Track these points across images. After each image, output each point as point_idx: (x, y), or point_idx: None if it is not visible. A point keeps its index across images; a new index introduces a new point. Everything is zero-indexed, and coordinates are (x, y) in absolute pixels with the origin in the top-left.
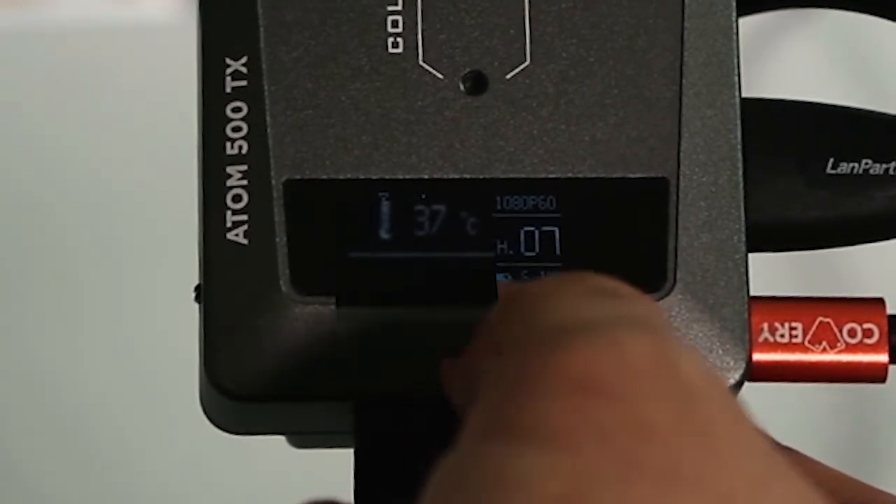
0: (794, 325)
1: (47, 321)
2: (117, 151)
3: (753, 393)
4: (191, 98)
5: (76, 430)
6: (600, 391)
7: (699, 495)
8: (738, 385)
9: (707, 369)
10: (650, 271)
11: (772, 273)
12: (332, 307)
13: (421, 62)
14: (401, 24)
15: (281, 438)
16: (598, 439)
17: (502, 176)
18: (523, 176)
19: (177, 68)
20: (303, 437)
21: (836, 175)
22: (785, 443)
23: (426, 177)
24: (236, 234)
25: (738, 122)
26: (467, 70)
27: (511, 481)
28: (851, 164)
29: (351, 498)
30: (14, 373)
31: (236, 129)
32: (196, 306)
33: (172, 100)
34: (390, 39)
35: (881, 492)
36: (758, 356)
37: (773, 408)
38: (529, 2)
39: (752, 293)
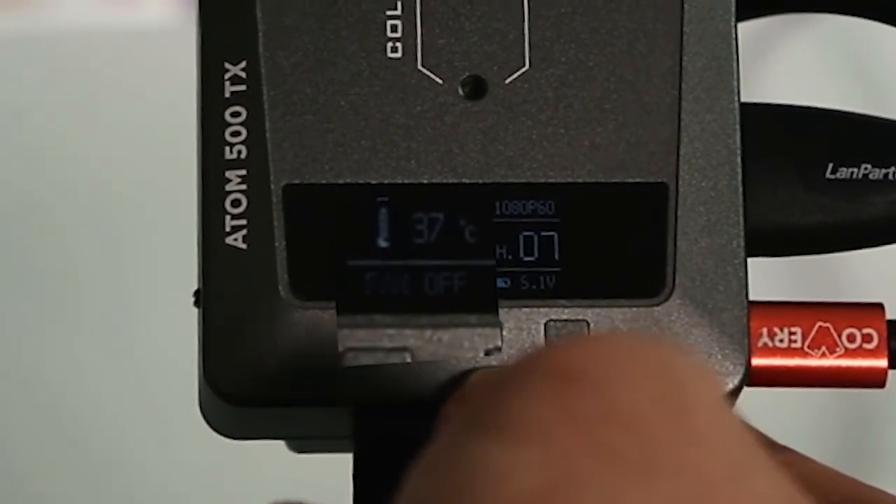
0: (793, 329)
1: (47, 325)
2: (117, 155)
3: (752, 398)
4: (190, 102)
5: (75, 433)
6: (578, 379)
7: (679, 484)
8: (737, 390)
9: (689, 359)
10: (649, 276)
11: (771, 278)
12: (331, 312)
13: (420, 67)
14: (400, 29)
15: (280, 443)
16: (574, 430)
17: (501, 181)
18: (522, 181)
19: (176, 73)
20: (302, 442)
21: (836, 180)
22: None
23: (425, 181)
24: (235, 239)
25: (738, 126)
26: (466, 75)
27: (488, 477)
28: (851, 169)
29: (346, 502)
30: (13, 374)
31: (235, 134)
32: (195, 311)
33: (171, 104)
34: (389, 44)
35: (879, 490)
36: (757, 361)
37: (773, 412)
38: (529, 6)
39: (751, 298)
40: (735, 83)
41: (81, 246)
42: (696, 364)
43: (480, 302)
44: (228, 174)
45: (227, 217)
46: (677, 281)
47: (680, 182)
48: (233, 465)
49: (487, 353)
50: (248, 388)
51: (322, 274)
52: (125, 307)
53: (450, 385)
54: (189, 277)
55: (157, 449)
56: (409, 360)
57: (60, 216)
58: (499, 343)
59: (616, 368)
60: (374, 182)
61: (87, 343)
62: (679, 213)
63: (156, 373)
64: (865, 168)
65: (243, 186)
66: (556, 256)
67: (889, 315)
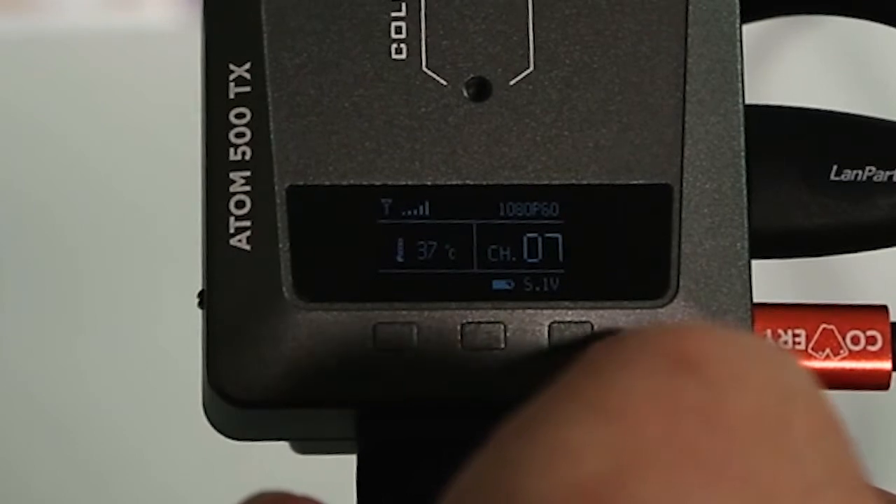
0: (797, 332)
1: (49, 326)
2: (120, 157)
3: None
4: (194, 104)
5: (77, 436)
6: (689, 367)
7: (744, 494)
8: None
9: (815, 383)
10: (653, 278)
11: (775, 280)
12: (335, 314)
13: (424, 68)
14: (404, 31)
15: (284, 444)
16: (666, 420)
17: (505, 182)
18: (526, 182)
19: (179, 74)
20: (306, 444)
21: (840, 182)
22: None
23: (429, 183)
24: (239, 240)
25: (742, 128)
26: (471, 76)
27: (557, 450)
28: (855, 172)
29: (343, 501)
30: (16, 375)
31: (240, 135)
32: (199, 312)
33: (175, 106)
34: (394, 46)
35: (885, 492)
36: None
37: None
38: (533, 8)
39: (755, 300)
40: (739, 85)
41: (84, 247)
42: (814, 383)
43: (483, 303)
44: (233, 175)
45: (232, 218)
46: (681, 283)
47: (684, 184)
48: (236, 467)
49: (489, 349)
50: (252, 389)
51: (326, 275)
52: (129, 309)
53: (454, 387)
54: (193, 279)
55: (161, 450)
56: (412, 359)
57: (62, 218)
58: (501, 345)
59: (732, 367)
60: (378, 183)
61: (89, 344)
62: (683, 215)
63: (159, 374)
64: (870, 170)
65: (247, 188)
66: (560, 258)
67: (893, 317)
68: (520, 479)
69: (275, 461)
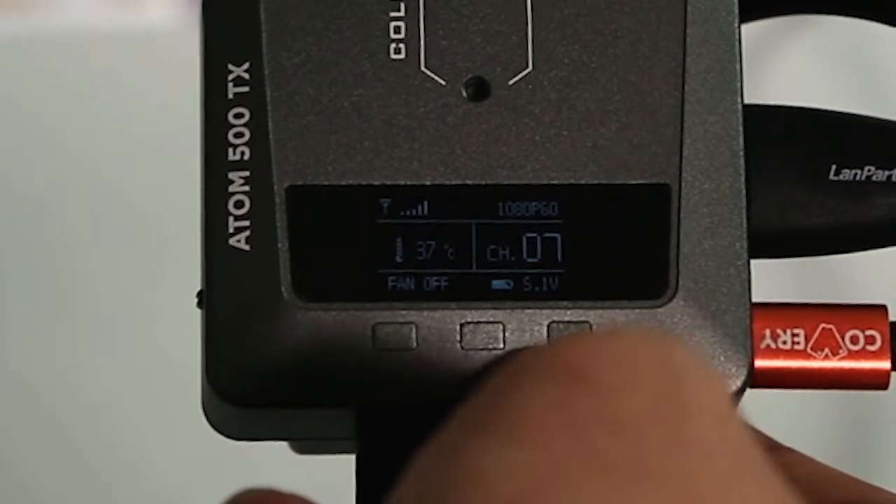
0: (796, 331)
1: (49, 326)
2: (120, 156)
3: (755, 400)
4: (193, 104)
5: (78, 436)
6: (579, 378)
7: (664, 492)
8: (740, 392)
9: (696, 361)
10: (652, 278)
11: (774, 279)
12: (334, 313)
13: (423, 68)
14: (403, 31)
15: (284, 444)
16: (570, 432)
17: (504, 182)
18: (525, 182)
19: (179, 74)
20: (305, 443)
21: (839, 182)
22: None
23: (428, 183)
24: (238, 240)
25: (741, 128)
26: (469, 76)
27: (472, 478)
28: (854, 171)
29: (342, 501)
30: (17, 375)
31: (238, 135)
32: (198, 312)
33: (175, 105)
34: (392, 45)
35: (879, 489)
36: (760, 363)
37: (775, 414)
38: (532, 8)
39: (754, 299)
40: (738, 84)
41: (84, 247)
42: (702, 367)
43: (482, 303)
44: (231, 175)
45: (231, 218)
46: (680, 282)
47: (683, 183)
48: (237, 467)
49: (488, 349)
50: (251, 389)
51: (325, 275)
52: (128, 309)
53: (453, 387)
54: (193, 279)
55: (161, 450)
56: (411, 359)
57: (62, 218)
58: (500, 345)
59: (619, 369)
60: (377, 183)
61: (89, 344)
62: (682, 214)
63: (159, 374)
64: (869, 170)
65: (246, 188)
66: (559, 258)
67: (892, 317)
68: None
69: (275, 461)
